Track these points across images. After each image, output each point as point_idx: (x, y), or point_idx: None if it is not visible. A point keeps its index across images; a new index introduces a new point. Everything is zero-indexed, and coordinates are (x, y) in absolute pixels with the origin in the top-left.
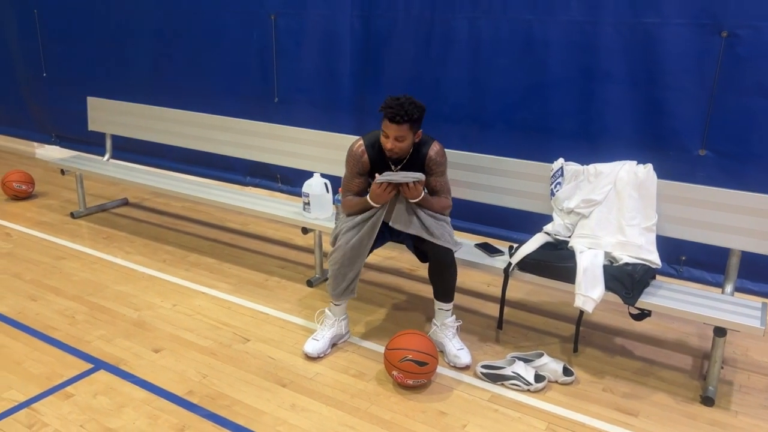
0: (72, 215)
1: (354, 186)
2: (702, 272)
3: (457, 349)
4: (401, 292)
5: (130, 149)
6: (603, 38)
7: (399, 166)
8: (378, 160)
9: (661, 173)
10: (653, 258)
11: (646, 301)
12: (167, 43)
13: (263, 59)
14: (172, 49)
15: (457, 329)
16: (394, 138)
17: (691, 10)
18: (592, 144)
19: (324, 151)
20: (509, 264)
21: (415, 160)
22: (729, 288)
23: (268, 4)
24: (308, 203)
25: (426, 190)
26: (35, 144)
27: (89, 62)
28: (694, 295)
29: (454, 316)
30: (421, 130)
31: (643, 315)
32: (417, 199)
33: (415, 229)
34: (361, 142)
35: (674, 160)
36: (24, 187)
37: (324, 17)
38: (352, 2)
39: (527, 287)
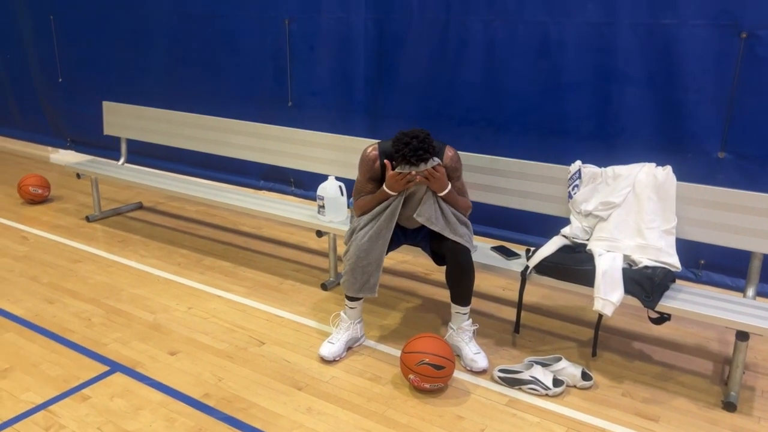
0: (87, 219)
1: (366, 191)
2: (722, 276)
3: (474, 353)
4: (416, 295)
5: (145, 153)
6: (620, 40)
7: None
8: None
9: (680, 176)
10: (673, 261)
11: (666, 304)
12: (182, 48)
13: (277, 63)
14: (187, 54)
15: (473, 333)
16: (420, 176)
17: (710, 11)
18: (609, 146)
19: (338, 155)
20: (526, 267)
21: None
22: (751, 291)
23: (283, 9)
24: (323, 206)
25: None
26: (50, 149)
27: (104, 67)
28: (715, 299)
29: (470, 319)
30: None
31: (662, 319)
32: (445, 191)
33: (439, 226)
34: (375, 146)
35: (693, 163)
36: (40, 191)
37: (338, 20)
38: (366, 5)
39: (543, 291)
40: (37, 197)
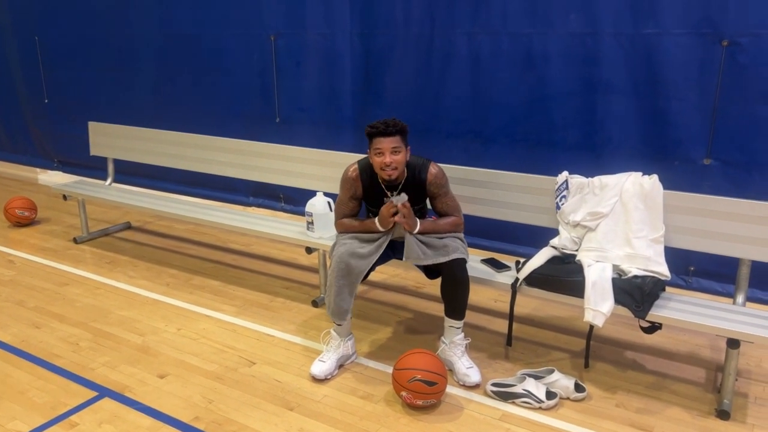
0: (75, 240)
1: (348, 209)
2: (711, 282)
3: (467, 368)
4: (407, 309)
5: (133, 173)
6: (603, 50)
7: (395, 192)
8: (371, 187)
9: (667, 184)
10: (662, 270)
11: (656, 314)
12: (169, 67)
13: (264, 80)
14: (174, 73)
15: (466, 347)
16: (390, 152)
17: (691, 20)
18: (596, 156)
19: (326, 170)
20: (516, 279)
21: (412, 185)
22: (740, 298)
23: (268, 25)
24: (312, 222)
25: (435, 215)
26: (38, 170)
27: (91, 87)
28: (705, 307)
29: (463, 333)
30: (409, 147)
31: (654, 328)
32: (416, 229)
33: (430, 259)
34: (356, 166)
35: (679, 170)
36: (26, 213)
37: (323, 36)
38: (351, 21)
39: (535, 302)
40: (23, 220)
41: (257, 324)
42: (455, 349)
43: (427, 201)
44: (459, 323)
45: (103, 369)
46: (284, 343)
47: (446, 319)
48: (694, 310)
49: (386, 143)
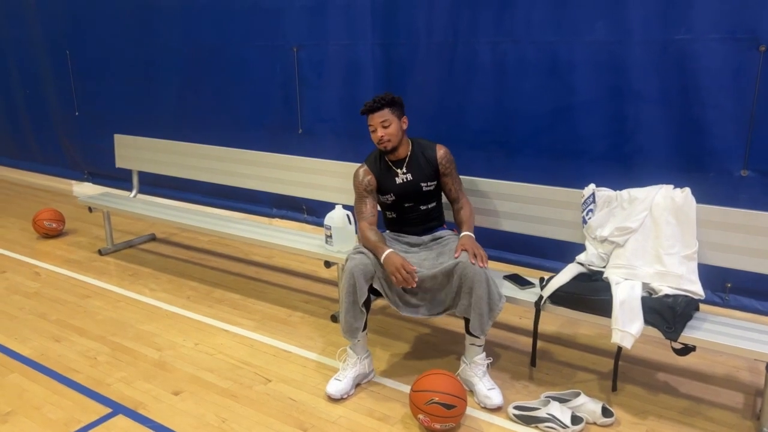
0: (100, 252)
1: (366, 209)
2: (750, 300)
3: (488, 389)
4: (427, 325)
5: (159, 184)
6: (632, 57)
7: (404, 168)
8: (382, 172)
9: (701, 197)
10: (695, 288)
11: (689, 335)
12: (194, 79)
13: (287, 91)
14: (199, 84)
15: (487, 367)
16: (380, 126)
17: (726, 25)
18: (625, 168)
19: (348, 182)
20: (540, 297)
21: (421, 161)
22: None
23: (291, 37)
24: (330, 236)
25: (455, 227)
26: (72, 182)
27: (119, 100)
28: (742, 328)
29: (484, 353)
30: (406, 117)
31: (687, 350)
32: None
33: (461, 310)
34: (363, 165)
35: (714, 183)
36: (54, 225)
37: (345, 47)
38: (372, 31)
39: (562, 320)
40: (51, 231)
41: (275, 339)
42: (476, 369)
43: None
44: (480, 341)
45: (119, 384)
46: (301, 360)
47: (467, 336)
48: (730, 331)
49: (376, 119)
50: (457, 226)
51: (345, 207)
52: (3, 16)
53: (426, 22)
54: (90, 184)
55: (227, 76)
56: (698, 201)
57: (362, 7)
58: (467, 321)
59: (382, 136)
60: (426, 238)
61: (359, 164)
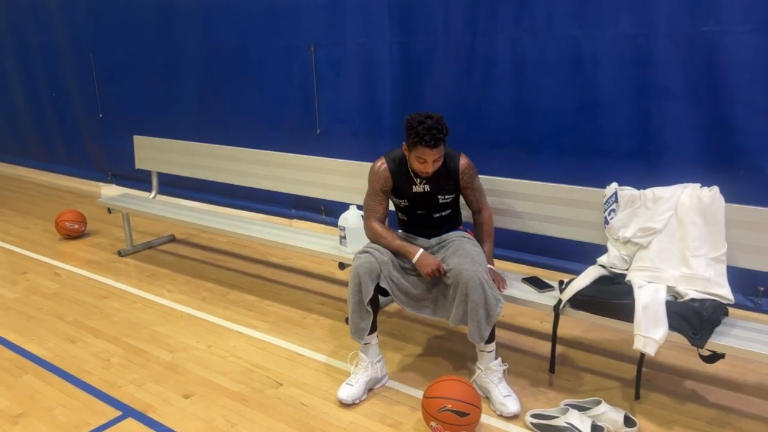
0: (119, 253)
1: (378, 206)
2: None
3: (504, 396)
4: (441, 328)
5: (179, 185)
6: (658, 51)
7: (425, 182)
8: (399, 176)
9: (731, 196)
10: (724, 293)
11: (717, 342)
12: (213, 80)
13: (304, 91)
14: (218, 85)
15: (503, 373)
16: (433, 162)
17: (756, 16)
18: (651, 166)
19: (365, 183)
20: (559, 301)
21: (444, 175)
22: None
23: (308, 36)
24: (344, 237)
25: (471, 229)
26: (97, 183)
27: (141, 102)
28: None
29: (499, 358)
30: None
31: (715, 357)
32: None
33: (456, 319)
34: (383, 161)
35: (745, 182)
36: (76, 226)
37: (362, 46)
38: (390, 29)
39: (584, 324)
40: (73, 232)
41: (288, 342)
42: (492, 375)
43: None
44: (490, 347)
45: (130, 387)
46: (314, 363)
47: (476, 344)
48: (761, 338)
49: (431, 154)
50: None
51: (359, 208)
52: (30, 21)
53: (443, 19)
54: (113, 185)
55: (246, 77)
56: (727, 200)
57: (379, 4)
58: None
59: (431, 172)
60: (434, 241)
61: (379, 158)
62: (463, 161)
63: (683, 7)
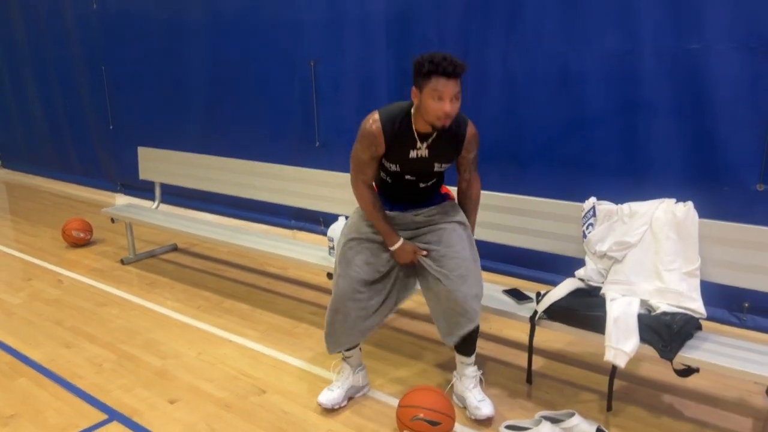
0: (122, 261)
1: (368, 169)
2: None
3: (478, 400)
4: (430, 340)
5: (185, 195)
6: (644, 68)
7: (426, 143)
8: (397, 137)
9: (715, 211)
10: (696, 306)
11: (687, 355)
12: (219, 93)
13: (305, 104)
14: (224, 99)
15: (480, 381)
16: (452, 98)
17: (738, 34)
18: (637, 181)
19: None
20: (535, 312)
21: (448, 139)
22: None
23: (308, 51)
24: (333, 248)
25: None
26: (107, 193)
27: (150, 114)
28: (748, 350)
29: (475, 366)
30: None
31: (689, 371)
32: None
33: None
34: (377, 118)
35: (729, 197)
36: (82, 234)
37: (361, 60)
38: (387, 44)
39: (569, 336)
40: (79, 241)
41: (276, 351)
42: (467, 382)
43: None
44: (470, 359)
45: (119, 392)
46: (299, 372)
47: (457, 355)
48: (732, 353)
49: (450, 87)
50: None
51: (348, 218)
52: (46, 35)
53: (438, 33)
54: (122, 195)
55: (249, 90)
56: (712, 216)
57: (377, 20)
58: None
59: (449, 112)
60: (420, 218)
61: (371, 114)
62: (471, 129)
63: (668, 25)
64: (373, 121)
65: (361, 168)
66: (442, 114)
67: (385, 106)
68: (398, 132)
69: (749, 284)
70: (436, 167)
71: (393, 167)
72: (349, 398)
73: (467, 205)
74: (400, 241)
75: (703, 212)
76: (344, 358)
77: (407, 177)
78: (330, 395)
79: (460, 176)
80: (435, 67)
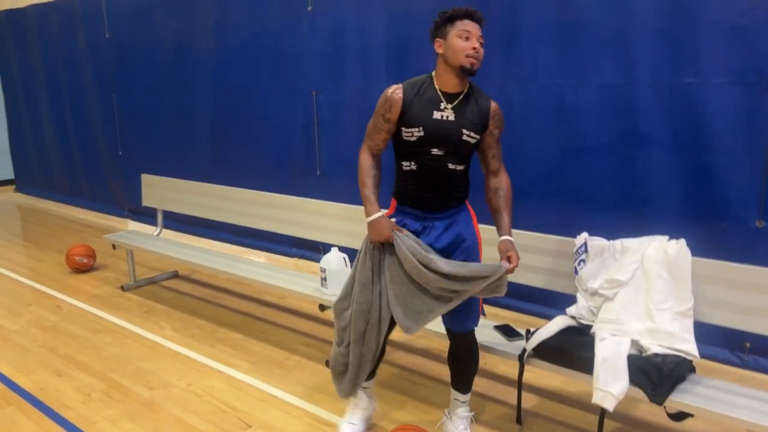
0: (122, 288)
1: (376, 135)
2: None
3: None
4: (424, 375)
5: (189, 222)
6: (640, 101)
7: (449, 104)
8: (419, 99)
9: (715, 247)
10: (689, 348)
11: (678, 399)
12: (224, 122)
13: (307, 134)
14: (229, 127)
15: (471, 421)
16: (478, 40)
17: (734, 69)
18: (635, 215)
19: (358, 227)
20: (524, 350)
21: (472, 106)
22: None
23: (311, 81)
24: (325, 279)
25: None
26: (119, 219)
27: (157, 141)
28: (742, 395)
29: (468, 406)
30: None
31: (682, 416)
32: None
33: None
34: (399, 86)
35: (729, 233)
36: (85, 260)
37: (361, 90)
38: (386, 75)
39: (565, 375)
40: (82, 266)
41: (265, 383)
42: (458, 422)
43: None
44: (465, 397)
45: (104, 423)
46: (286, 406)
47: (452, 390)
48: (725, 398)
49: (475, 28)
50: (492, 214)
51: (341, 249)
52: (61, 63)
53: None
54: (129, 220)
55: (253, 119)
56: (712, 253)
57: (377, 52)
58: (453, 374)
59: (477, 49)
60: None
61: (394, 85)
62: (495, 104)
63: (663, 58)
64: (396, 87)
65: (371, 134)
66: (472, 51)
67: (407, 81)
68: (418, 93)
69: (748, 327)
70: (464, 135)
71: (416, 133)
72: (369, 428)
73: (499, 202)
74: (379, 213)
75: (702, 249)
76: (362, 389)
77: (433, 152)
78: (354, 429)
79: (488, 169)
80: (460, 11)
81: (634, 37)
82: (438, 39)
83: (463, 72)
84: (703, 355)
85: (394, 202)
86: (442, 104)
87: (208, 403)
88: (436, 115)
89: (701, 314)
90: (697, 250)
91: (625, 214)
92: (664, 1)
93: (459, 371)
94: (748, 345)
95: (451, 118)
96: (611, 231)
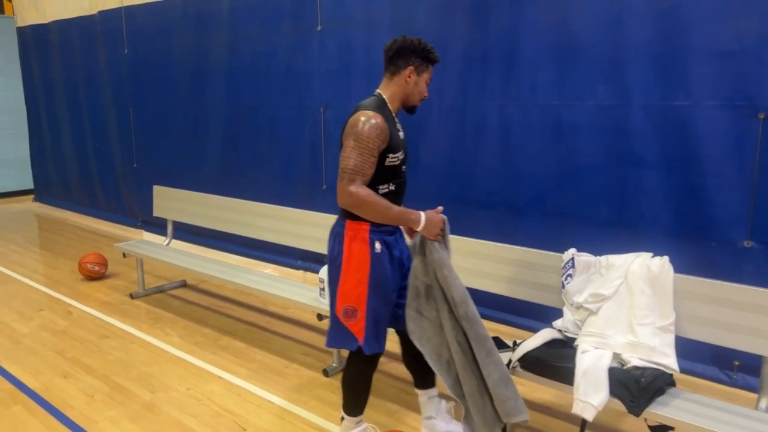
0: (131, 296)
1: (369, 170)
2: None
3: (447, 424)
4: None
5: (199, 233)
6: (633, 123)
7: (400, 126)
8: (390, 125)
9: (704, 266)
10: (669, 362)
11: (656, 411)
12: (235, 137)
13: (314, 149)
14: (239, 142)
15: (449, 411)
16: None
17: (723, 92)
18: (628, 233)
19: None
20: (509, 361)
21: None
22: (764, 403)
23: (319, 98)
24: (323, 289)
25: None
26: (133, 229)
27: (171, 154)
28: (719, 409)
29: (442, 398)
30: None
31: (664, 428)
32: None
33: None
34: (374, 113)
35: (717, 253)
36: (97, 268)
37: None
38: None
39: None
40: (94, 274)
41: (263, 390)
42: (444, 416)
43: None
44: (435, 391)
45: (106, 423)
46: (282, 412)
47: (421, 392)
48: (702, 411)
49: (431, 73)
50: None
51: None
52: (81, 77)
53: (438, 85)
54: (143, 230)
55: (263, 134)
56: (700, 272)
57: (382, 71)
58: (415, 375)
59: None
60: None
61: (370, 113)
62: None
63: (655, 81)
64: (374, 115)
65: (363, 169)
66: (423, 99)
67: (361, 104)
68: (388, 118)
69: (735, 344)
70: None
71: (400, 155)
72: None
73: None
74: (423, 213)
75: (692, 267)
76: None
77: (403, 168)
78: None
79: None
80: (435, 57)
81: (627, 60)
82: (411, 68)
83: (409, 110)
84: (692, 373)
85: (365, 226)
86: (398, 124)
87: (207, 407)
88: (401, 134)
89: (685, 330)
90: (686, 268)
91: (618, 232)
92: (657, 27)
93: (418, 367)
94: (737, 363)
95: (404, 134)
96: (604, 249)
